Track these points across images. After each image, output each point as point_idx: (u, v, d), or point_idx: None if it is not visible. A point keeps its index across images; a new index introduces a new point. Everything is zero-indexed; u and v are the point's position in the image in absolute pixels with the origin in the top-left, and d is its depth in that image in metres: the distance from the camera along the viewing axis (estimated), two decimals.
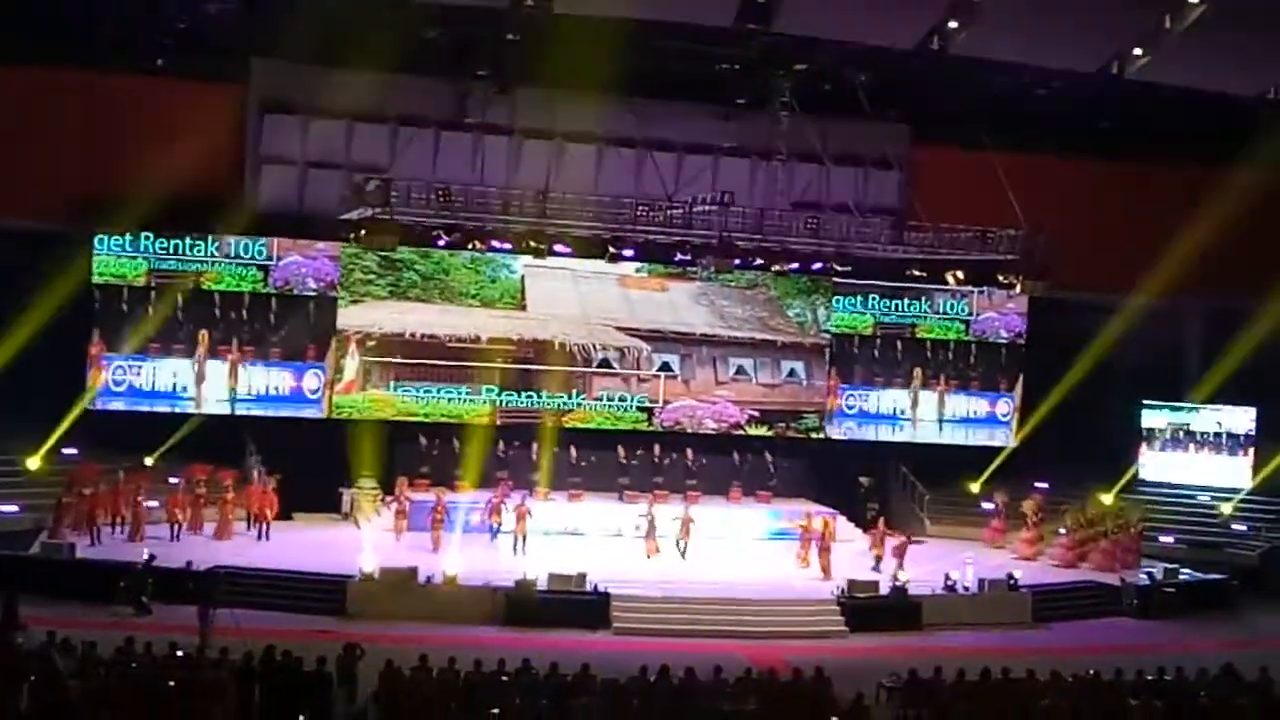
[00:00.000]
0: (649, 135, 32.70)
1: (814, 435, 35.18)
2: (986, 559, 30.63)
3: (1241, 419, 35.86)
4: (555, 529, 31.17)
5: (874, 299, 35.22)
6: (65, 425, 29.79)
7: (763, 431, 34.82)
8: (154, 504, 28.81)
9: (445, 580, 25.78)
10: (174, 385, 31.54)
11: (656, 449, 33.58)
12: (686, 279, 33.48)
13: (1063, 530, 31.97)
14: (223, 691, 17.21)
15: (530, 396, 33.36)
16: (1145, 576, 29.74)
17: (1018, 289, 31.71)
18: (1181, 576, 30.00)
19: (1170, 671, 20.33)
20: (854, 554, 29.99)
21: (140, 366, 31.37)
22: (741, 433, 34.71)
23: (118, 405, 31.17)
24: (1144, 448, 36.30)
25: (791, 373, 35.23)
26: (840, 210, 31.73)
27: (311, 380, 32.33)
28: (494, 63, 30.93)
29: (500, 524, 29.65)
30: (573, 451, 32.95)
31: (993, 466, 35.05)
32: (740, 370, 34.83)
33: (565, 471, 32.83)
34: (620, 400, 33.96)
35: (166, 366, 31.51)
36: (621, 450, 33.36)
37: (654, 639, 24.33)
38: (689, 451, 33.69)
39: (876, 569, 28.69)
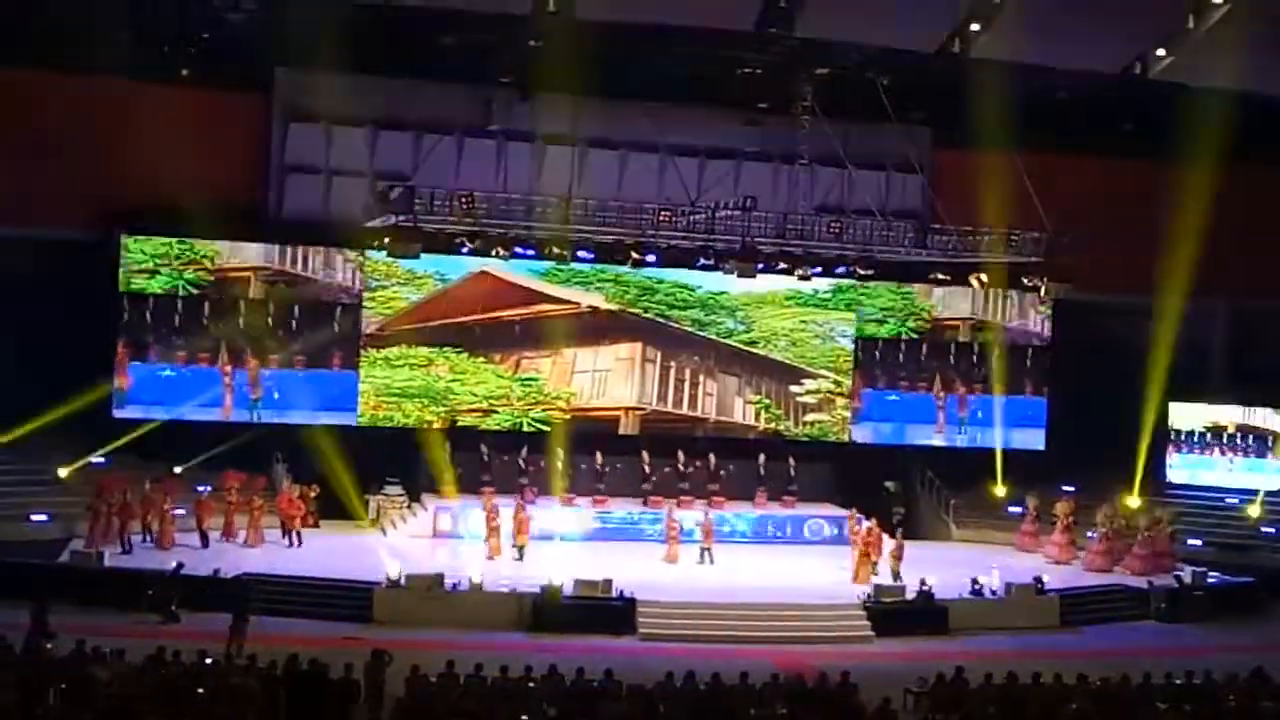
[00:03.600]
0: (671, 140, 32.77)
1: (838, 439, 35.14)
2: (1018, 563, 30.56)
3: (1271, 420, 35.64)
4: (579, 535, 31.18)
5: (897, 303, 35.22)
6: (82, 434, 29.90)
7: (799, 434, 34.81)
8: (181, 511, 28.91)
9: (471, 586, 25.83)
10: (199, 394, 31.68)
11: (680, 455, 33.50)
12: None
13: (1092, 534, 31.79)
14: (251, 698, 17.27)
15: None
16: (1174, 580, 29.57)
17: (1042, 291, 31.62)
18: (1210, 580, 29.81)
19: (1199, 675, 20.21)
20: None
21: (165, 375, 31.51)
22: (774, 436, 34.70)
23: (141, 414, 31.23)
24: (1171, 450, 36.10)
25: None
26: (863, 214, 31.67)
27: (337, 388, 32.46)
28: (516, 69, 31.04)
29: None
30: (598, 457, 32.92)
31: (998, 469, 34.66)
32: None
33: (590, 477, 32.79)
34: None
35: (192, 375, 31.65)
36: (646, 455, 33.31)
37: (680, 644, 24.34)
38: (711, 457, 33.61)
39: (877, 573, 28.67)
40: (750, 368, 34.75)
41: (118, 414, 31.08)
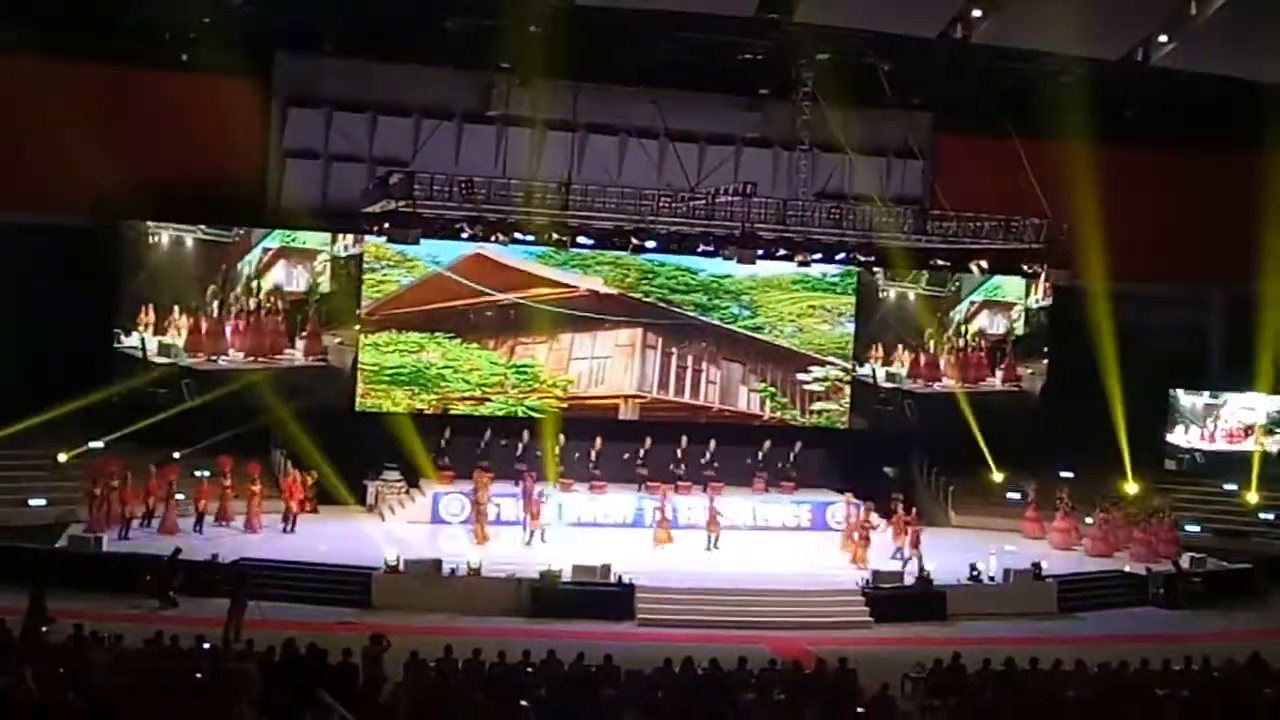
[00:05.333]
0: (671, 126, 32.69)
1: (839, 425, 35.06)
2: (1022, 550, 30.58)
3: (1269, 406, 35.63)
4: (578, 520, 31.13)
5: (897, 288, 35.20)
6: (81, 419, 29.74)
7: (806, 423, 34.71)
8: (181, 497, 28.90)
9: (470, 571, 25.84)
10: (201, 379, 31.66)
11: (684, 440, 33.42)
12: None
13: (1089, 520, 31.81)
14: (249, 683, 17.28)
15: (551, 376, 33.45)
16: (1171, 566, 29.59)
17: (1042, 277, 31.58)
18: (1208, 566, 29.82)
19: (1197, 661, 20.22)
20: (879, 544, 29.80)
21: (168, 362, 31.45)
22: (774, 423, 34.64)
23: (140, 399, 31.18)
24: (1170, 436, 36.08)
25: None
26: (863, 200, 31.63)
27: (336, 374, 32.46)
28: (516, 54, 30.97)
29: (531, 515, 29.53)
30: (597, 443, 32.85)
31: (988, 456, 34.42)
32: None
33: (586, 463, 32.68)
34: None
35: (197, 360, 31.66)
36: (649, 441, 33.22)
37: (678, 630, 24.35)
38: (712, 443, 33.56)
39: (895, 557, 28.57)
40: (755, 354, 34.54)
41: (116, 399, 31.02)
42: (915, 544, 28.28)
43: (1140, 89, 32.21)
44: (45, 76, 30.20)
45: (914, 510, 29.94)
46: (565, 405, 33.42)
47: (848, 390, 35.03)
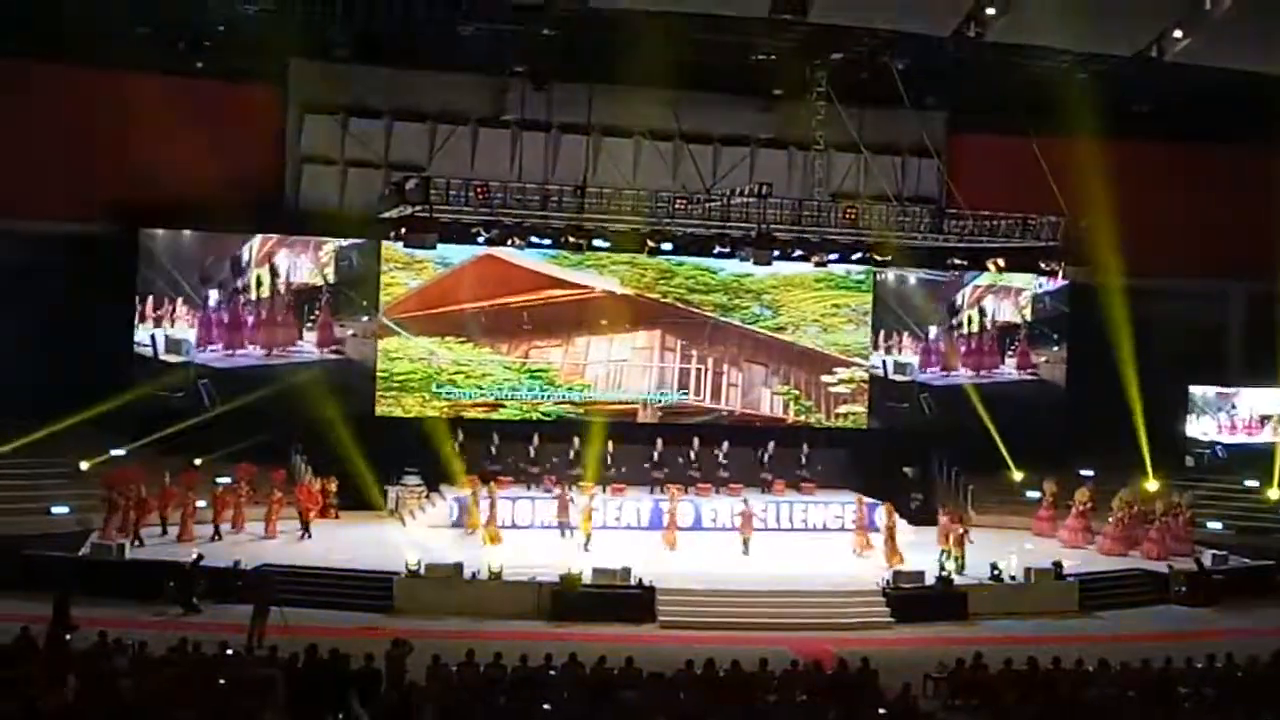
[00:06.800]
0: (686, 128, 32.71)
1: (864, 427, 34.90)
2: (1035, 548, 30.55)
3: None
4: (599, 523, 31.08)
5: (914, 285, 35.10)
6: (103, 426, 29.80)
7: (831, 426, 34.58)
8: (202, 504, 28.98)
9: (490, 575, 25.87)
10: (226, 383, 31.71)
11: (696, 442, 33.38)
12: None
13: (1110, 520, 31.68)
14: (273, 689, 17.35)
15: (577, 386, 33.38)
16: (1193, 563, 29.49)
17: (1059, 275, 31.50)
18: (1230, 563, 29.71)
19: (1220, 659, 20.17)
20: (902, 545, 29.68)
21: (190, 365, 31.56)
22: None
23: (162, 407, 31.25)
24: (1187, 427, 35.93)
25: None
26: (879, 199, 31.60)
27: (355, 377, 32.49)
28: (531, 58, 31.03)
29: (569, 520, 29.63)
30: (610, 446, 32.78)
31: (1005, 454, 34.21)
32: None
33: (599, 466, 32.46)
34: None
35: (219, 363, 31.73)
36: (660, 443, 33.17)
37: (700, 632, 24.35)
38: (724, 444, 33.44)
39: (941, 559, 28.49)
40: (778, 356, 34.42)
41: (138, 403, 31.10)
42: (959, 544, 28.21)
43: (1155, 84, 32.10)
44: (61, 84, 30.34)
45: (961, 516, 29.85)
46: (583, 412, 33.36)
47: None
